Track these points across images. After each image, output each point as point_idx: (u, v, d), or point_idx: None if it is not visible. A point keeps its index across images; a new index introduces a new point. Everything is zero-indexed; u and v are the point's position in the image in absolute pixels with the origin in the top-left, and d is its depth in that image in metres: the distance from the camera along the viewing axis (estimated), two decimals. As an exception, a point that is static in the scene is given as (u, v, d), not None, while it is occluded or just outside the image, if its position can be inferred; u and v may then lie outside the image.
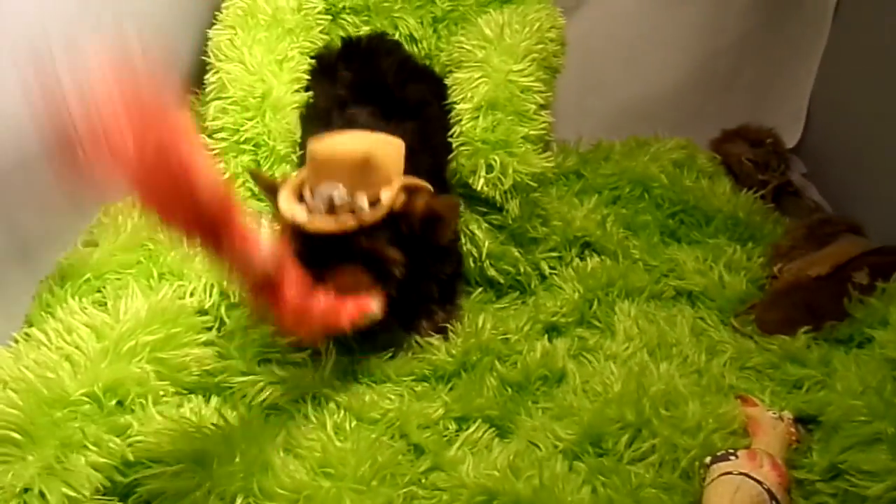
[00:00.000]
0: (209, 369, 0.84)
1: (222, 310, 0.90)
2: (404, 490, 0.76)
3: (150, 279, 0.92)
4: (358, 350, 0.92)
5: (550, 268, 1.09)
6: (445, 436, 0.83)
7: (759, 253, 1.11)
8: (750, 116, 1.38)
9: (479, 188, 1.01)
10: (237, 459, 0.73)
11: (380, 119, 0.98)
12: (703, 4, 1.36)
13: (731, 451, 0.77)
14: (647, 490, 0.76)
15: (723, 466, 0.75)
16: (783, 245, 1.06)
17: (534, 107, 1.05)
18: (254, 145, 1.01)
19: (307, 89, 1.07)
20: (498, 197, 1.02)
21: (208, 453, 0.73)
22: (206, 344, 0.86)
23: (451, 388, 0.89)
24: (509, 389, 0.89)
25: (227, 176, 1.01)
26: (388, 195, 0.80)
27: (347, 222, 0.77)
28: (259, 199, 1.01)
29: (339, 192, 0.77)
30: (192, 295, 0.90)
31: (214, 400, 0.82)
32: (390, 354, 0.93)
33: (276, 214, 0.82)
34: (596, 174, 1.23)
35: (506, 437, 0.85)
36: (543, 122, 1.06)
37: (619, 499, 0.75)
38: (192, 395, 0.82)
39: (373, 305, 0.76)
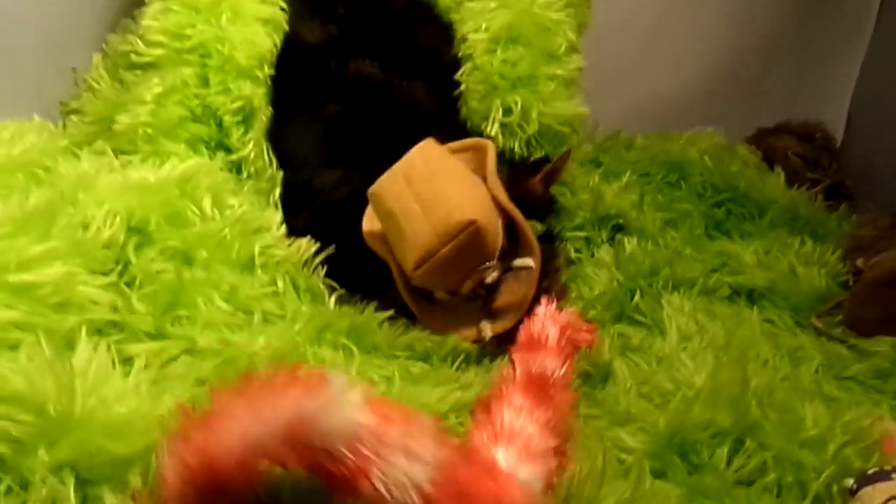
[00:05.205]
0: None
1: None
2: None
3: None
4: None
5: (576, 250, 0.85)
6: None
7: (829, 249, 0.89)
8: (782, 118, 1.21)
9: (492, 133, 0.79)
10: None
11: (387, 73, 0.81)
12: (733, -7, 1.21)
13: (892, 468, 0.52)
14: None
15: (884, 489, 0.50)
16: (866, 235, 0.86)
17: (564, 44, 0.84)
18: (201, 55, 0.76)
19: (283, 9, 0.84)
20: (518, 147, 0.79)
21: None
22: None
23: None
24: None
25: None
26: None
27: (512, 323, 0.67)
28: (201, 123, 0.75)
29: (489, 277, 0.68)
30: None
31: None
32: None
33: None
34: (619, 160, 1.02)
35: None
36: (575, 65, 0.85)
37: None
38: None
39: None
